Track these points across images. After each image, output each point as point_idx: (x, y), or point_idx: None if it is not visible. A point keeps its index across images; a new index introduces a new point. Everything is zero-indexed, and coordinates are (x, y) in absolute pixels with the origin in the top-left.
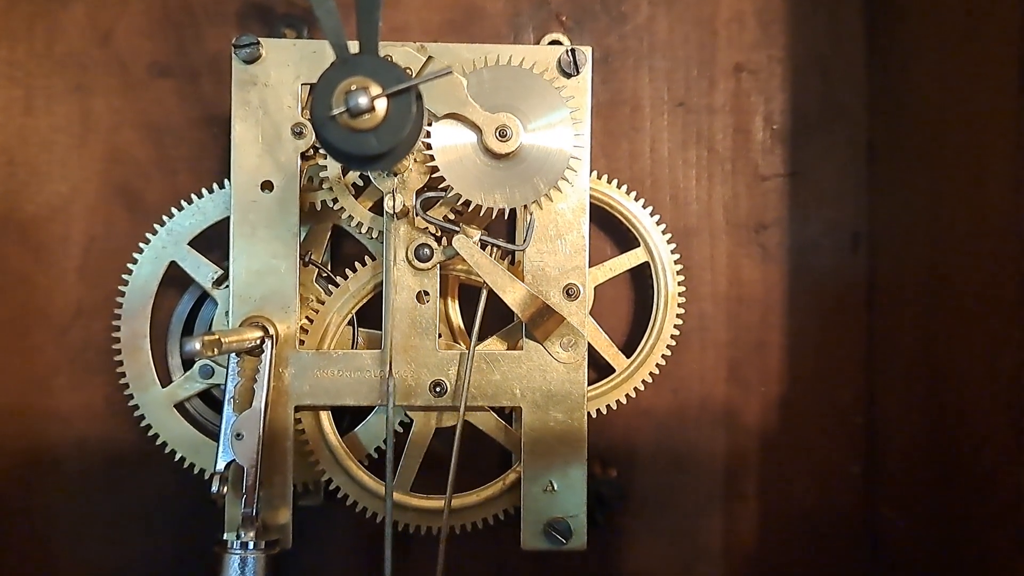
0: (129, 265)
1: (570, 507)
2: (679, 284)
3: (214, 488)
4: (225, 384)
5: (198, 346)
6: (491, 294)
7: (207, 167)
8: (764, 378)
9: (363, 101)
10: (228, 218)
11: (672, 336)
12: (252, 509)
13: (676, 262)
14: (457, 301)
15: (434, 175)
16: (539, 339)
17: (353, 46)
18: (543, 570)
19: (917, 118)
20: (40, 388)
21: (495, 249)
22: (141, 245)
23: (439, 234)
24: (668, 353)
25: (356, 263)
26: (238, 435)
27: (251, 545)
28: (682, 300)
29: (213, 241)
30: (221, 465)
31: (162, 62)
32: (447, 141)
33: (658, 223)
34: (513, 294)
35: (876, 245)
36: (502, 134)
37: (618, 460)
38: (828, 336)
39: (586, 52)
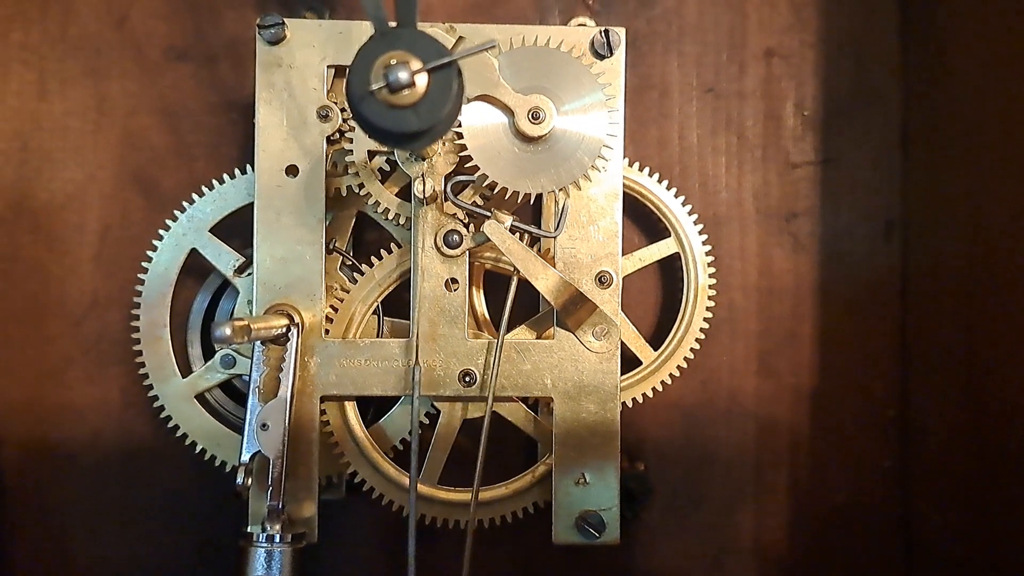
0: (148, 253)
1: (603, 500)
2: (710, 277)
3: (239, 480)
4: (250, 374)
5: (228, 331)
6: (520, 282)
7: (225, 153)
8: (795, 370)
9: (403, 76)
10: (250, 205)
11: (701, 329)
12: (278, 502)
13: (707, 254)
14: (482, 291)
15: (464, 160)
16: (571, 328)
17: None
18: (570, 566)
19: (954, 102)
20: (54, 380)
21: (525, 236)
22: (160, 232)
23: (467, 220)
24: (697, 346)
25: (382, 251)
26: (263, 425)
27: (277, 538)
28: (712, 292)
29: (234, 229)
30: (246, 456)
31: (179, 46)
32: (478, 124)
33: (690, 213)
34: (546, 281)
35: (911, 234)
36: (535, 116)
37: (646, 454)
38: (861, 327)
39: (620, 33)
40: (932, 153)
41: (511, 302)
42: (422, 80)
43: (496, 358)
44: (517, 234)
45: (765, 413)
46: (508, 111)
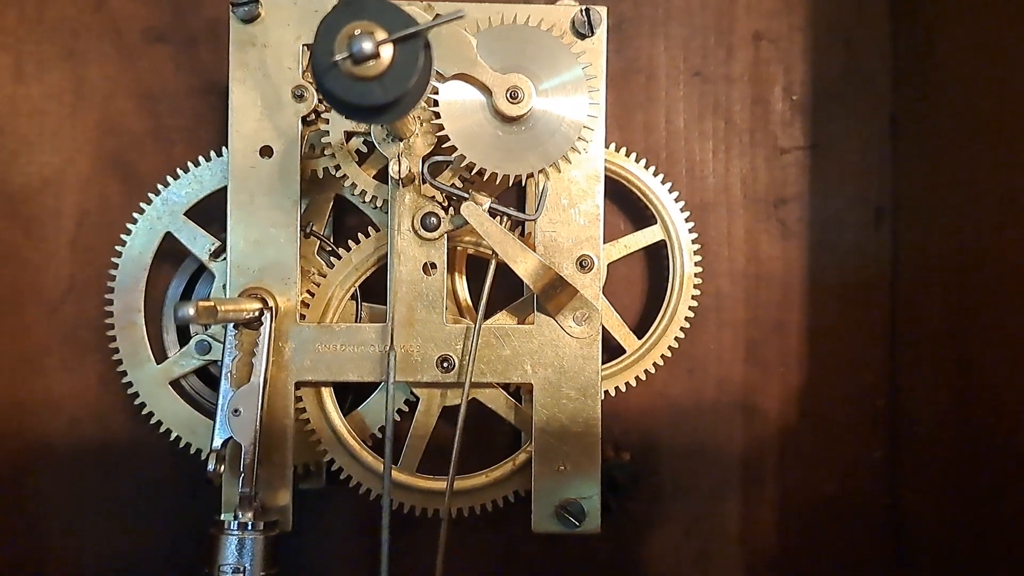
0: (123, 236)
1: (583, 488)
2: (696, 265)
3: (210, 466)
4: (222, 358)
5: (192, 312)
6: (500, 267)
7: (204, 137)
8: (783, 359)
9: (367, 46)
10: (226, 187)
11: (686, 318)
12: (250, 489)
13: (694, 241)
14: (464, 277)
15: (441, 140)
16: (551, 313)
17: None
18: (553, 556)
19: (944, 88)
20: (31, 368)
21: (505, 219)
22: (135, 215)
23: (446, 203)
24: (682, 335)
25: (359, 234)
26: (236, 411)
27: (249, 526)
28: (698, 280)
29: (210, 212)
30: (218, 442)
31: (157, 28)
32: (455, 104)
33: (676, 200)
34: (525, 264)
35: (900, 221)
36: (513, 96)
37: (631, 444)
38: (850, 315)
39: (601, 12)
40: (922, 139)
41: (489, 286)
42: (387, 51)
43: (474, 343)
44: (496, 217)
45: (752, 402)
46: (486, 90)
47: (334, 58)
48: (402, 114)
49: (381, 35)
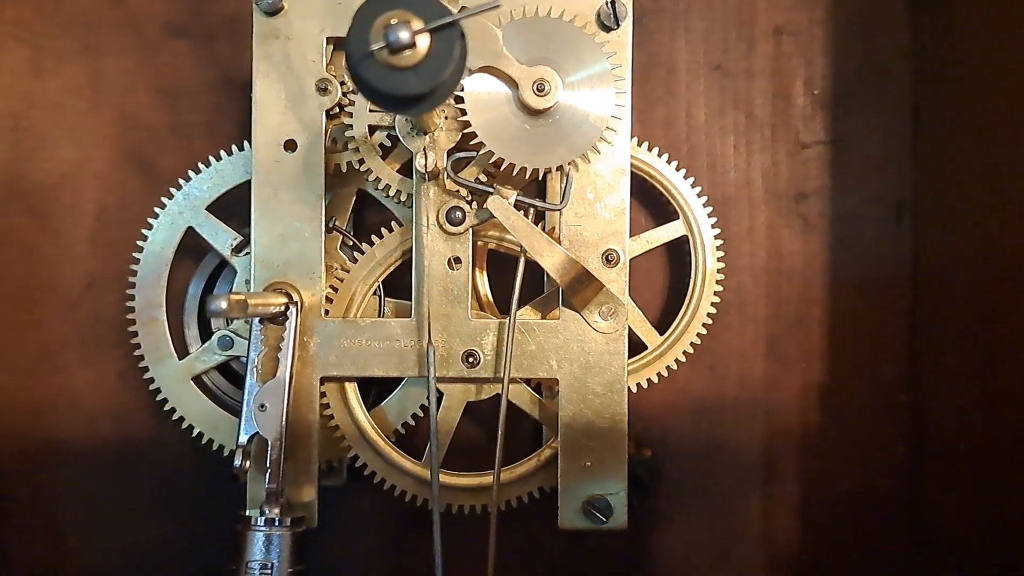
0: (144, 232)
1: (610, 484)
2: (718, 261)
3: (237, 462)
4: (248, 353)
5: (224, 305)
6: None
7: (223, 132)
8: (804, 354)
9: (404, 35)
10: (248, 182)
11: (708, 314)
12: (277, 484)
13: (716, 237)
14: (485, 272)
15: (467, 136)
16: (577, 307)
17: None
18: (575, 553)
19: (966, 81)
20: (48, 364)
21: (530, 212)
22: (156, 210)
23: (470, 197)
24: (704, 331)
25: (383, 229)
26: (262, 406)
27: (276, 522)
28: (720, 276)
29: (232, 207)
30: (244, 438)
31: (176, 22)
32: (481, 97)
33: (699, 195)
34: (551, 258)
35: (921, 215)
36: (540, 88)
37: (652, 440)
38: (871, 310)
39: (627, 4)
40: (943, 133)
41: (520, 280)
42: (423, 41)
43: (509, 337)
44: (521, 210)
45: (774, 398)
46: (512, 83)
47: (370, 47)
48: (436, 104)
49: (417, 24)
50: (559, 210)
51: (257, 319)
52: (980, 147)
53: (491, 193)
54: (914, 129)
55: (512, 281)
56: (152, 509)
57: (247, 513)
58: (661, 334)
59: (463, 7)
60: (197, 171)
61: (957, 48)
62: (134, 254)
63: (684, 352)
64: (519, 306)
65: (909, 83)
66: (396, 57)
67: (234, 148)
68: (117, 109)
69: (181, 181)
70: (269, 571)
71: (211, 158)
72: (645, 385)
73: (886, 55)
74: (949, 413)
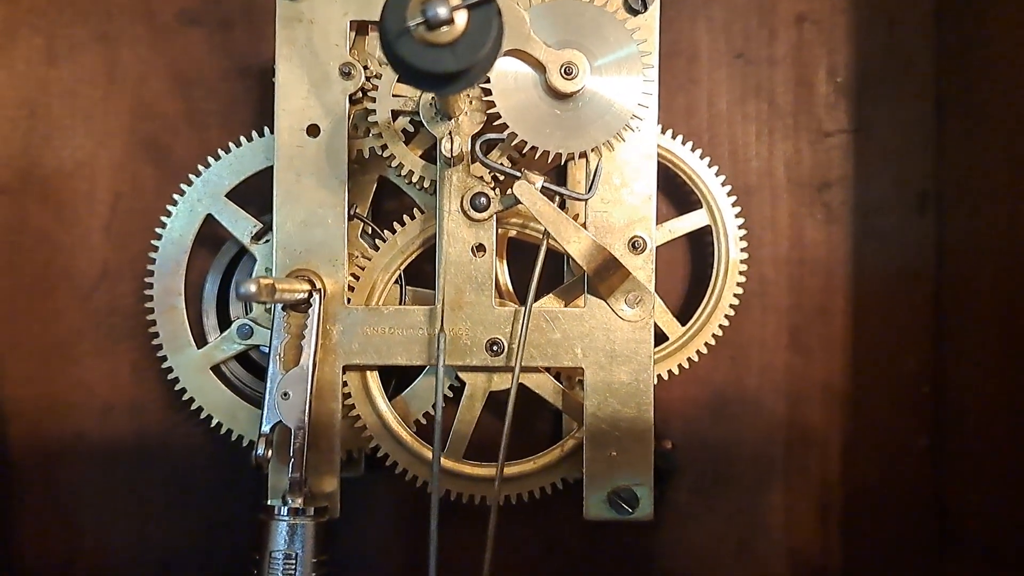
0: (163, 219)
1: (636, 475)
2: (741, 251)
3: (259, 451)
4: (270, 341)
5: (254, 288)
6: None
7: (239, 120)
8: (827, 345)
9: (442, 11)
10: (267, 169)
11: (730, 305)
12: (300, 473)
13: (740, 227)
14: (505, 262)
15: (491, 119)
16: (603, 295)
17: None
18: (595, 545)
19: (990, 70)
20: (63, 355)
21: (555, 198)
22: (176, 197)
23: (494, 184)
24: (726, 322)
25: (405, 216)
26: (285, 394)
27: (300, 511)
28: (743, 267)
29: (249, 195)
30: (266, 427)
31: (192, 10)
32: (508, 81)
33: (723, 184)
34: (578, 244)
35: (945, 205)
36: (567, 72)
37: (673, 432)
38: (894, 301)
39: None
40: (967, 122)
41: (541, 265)
42: (461, 17)
43: (524, 325)
44: (548, 196)
45: (795, 391)
46: (539, 67)
47: (407, 24)
48: (472, 83)
49: (456, 0)
50: (586, 200)
51: (280, 306)
52: (1004, 137)
53: (518, 178)
54: (937, 118)
55: (532, 268)
56: (166, 500)
57: (269, 503)
58: (683, 324)
59: None
60: (212, 159)
61: (981, 37)
62: (152, 242)
63: (705, 343)
64: (541, 294)
65: (933, 72)
66: (433, 34)
67: (254, 134)
68: (132, 97)
69: (200, 168)
70: (293, 561)
71: (231, 144)
72: (666, 376)
73: (909, 44)
74: (972, 405)
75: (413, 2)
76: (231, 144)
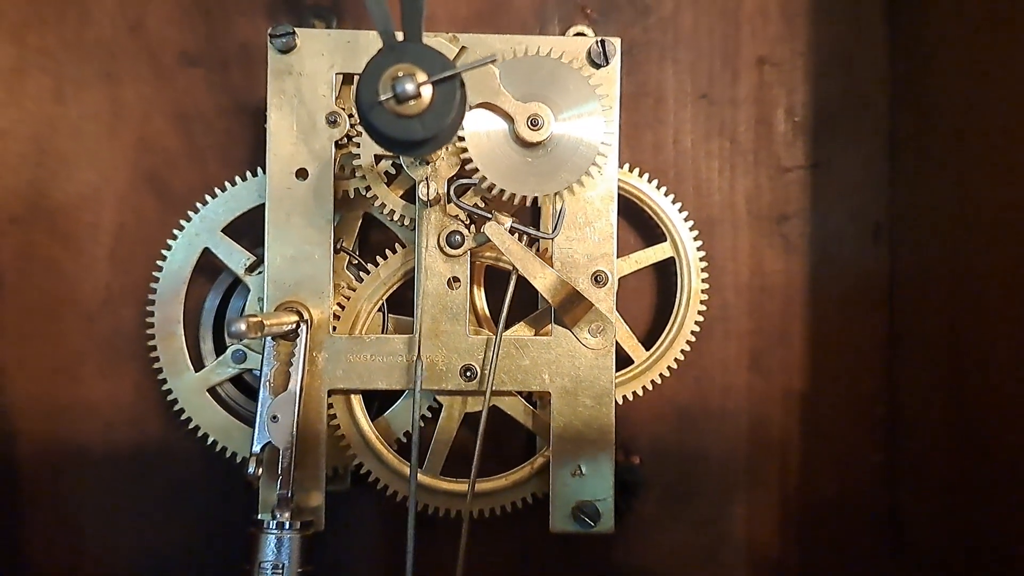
0: (163, 252)
1: (598, 491)
2: (703, 281)
3: (250, 469)
4: (261, 368)
5: (243, 327)
6: (518, 280)
7: (236, 156)
8: (786, 367)
9: (410, 87)
10: (260, 206)
11: (692, 331)
12: (287, 490)
13: (701, 259)
14: (483, 288)
15: (466, 163)
16: (568, 325)
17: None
18: (567, 556)
19: (941, 109)
20: (68, 375)
21: (524, 236)
22: (175, 232)
23: (469, 222)
24: (688, 347)
25: (387, 250)
26: (274, 417)
27: (287, 525)
28: (704, 296)
29: (244, 229)
30: (257, 447)
31: (191, 51)
32: (480, 130)
33: (686, 219)
34: (544, 280)
35: (898, 236)
36: (534, 123)
37: (641, 449)
38: (850, 326)
39: (615, 43)
40: (918, 158)
41: (509, 299)
42: (427, 91)
43: (495, 352)
44: (516, 235)
45: (757, 409)
46: (508, 118)
47: (379, 98)
48: (439, 147)
49: (422, 77)
50: (551, 239)
51: (270, 337)
52: (953, 171)
53: (489, 219)
54: (891, 154)
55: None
56: (166, 511)
57: (259, 517)
58: (648, 349)
59: (463, 47)
60: (210, 193)
61: (932, 78)
62: (154, 272)
63: (669, 367)
64: (513, 321)
65: (886, 111)
66: (403, 106)
67: (248, 175)
68: (135, 134)
69: (198, 204)
70: (280, 571)
71: (226, 183)
72: (631, 398)
73: (865, 84)
74: (923, 423)
75: (384, 78)
76: (227, 183)
